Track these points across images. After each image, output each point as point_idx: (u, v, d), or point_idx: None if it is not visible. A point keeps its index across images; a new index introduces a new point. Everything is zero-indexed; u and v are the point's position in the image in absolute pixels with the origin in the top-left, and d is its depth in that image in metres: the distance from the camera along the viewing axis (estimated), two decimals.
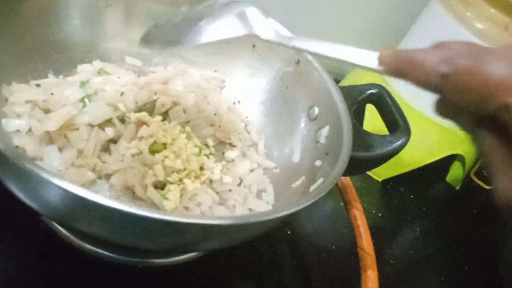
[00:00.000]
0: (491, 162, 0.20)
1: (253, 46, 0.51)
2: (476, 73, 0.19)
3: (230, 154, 0.48)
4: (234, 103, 0.53)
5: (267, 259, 0.47)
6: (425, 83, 0.21)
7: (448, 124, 0.63)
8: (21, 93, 0.41)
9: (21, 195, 0.31)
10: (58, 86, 0.44)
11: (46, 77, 0.45)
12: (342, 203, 0.56)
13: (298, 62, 0.49)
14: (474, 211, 0.67)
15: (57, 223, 0.40)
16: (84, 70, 0.47)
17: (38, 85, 0.43)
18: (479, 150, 0.21)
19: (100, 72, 0.47)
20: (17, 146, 0.39)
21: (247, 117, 0.52)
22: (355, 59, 0.27)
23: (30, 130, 0.40)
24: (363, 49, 0.27)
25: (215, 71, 0.53)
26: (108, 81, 0.46)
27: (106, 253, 0.40)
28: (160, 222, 0.27)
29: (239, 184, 0.45)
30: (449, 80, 0.20)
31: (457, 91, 0.20)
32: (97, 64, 0.48)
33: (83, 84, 0.45)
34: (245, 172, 0.46)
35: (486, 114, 0.20)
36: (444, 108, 0.23)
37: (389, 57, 0.24)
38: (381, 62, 0.24)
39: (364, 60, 0.26)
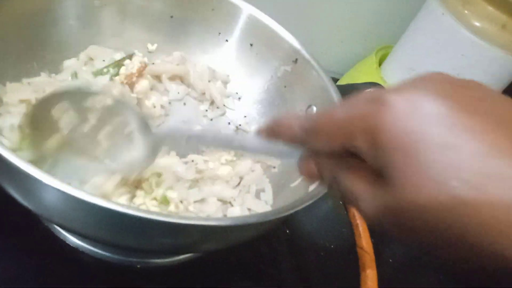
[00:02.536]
0: (353, 193, 0.23)
1: (251, 45, 0.51)
2: (326, 118, 0.23)
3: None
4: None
5: (266, 259, 0.47)
6: (292, 137, 0.26)
7: None
8: (14, 92, 0.41)
9: (18, 197, 0.31)
10: (50, 84, 0.43)
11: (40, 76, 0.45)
12: (341, 202, 0.56)
13: (296, 61, 0.48)
14: None
15: (56, 224, 0.40)
16: (71, 64, 0.47)
17: (29, 84, 0.43)
18: (341, 191, 0.24)
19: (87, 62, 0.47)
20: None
21: (245, 116, 0.52)
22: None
23: None
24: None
25: (214, 71, 0.53)
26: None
27: (104, 253, 0.40)
28: (158, 224, 0.27)
29: (238, 184, 0.45)
30: (308, 130, 0.24)
31: (315, 135, 0.24)
32: (83, 57, 0.47)
33: (74, 75, 0.44)
34: (245, 171, 0.46)
35: (340, 149, 0.23)
36: (306, 163, 0.26)
37: (263, 127, 0.28)
38: (259, 133, 0.28)
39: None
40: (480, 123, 0.19)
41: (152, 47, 0.52)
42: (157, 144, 0.34)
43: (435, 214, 0.18)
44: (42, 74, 0.45)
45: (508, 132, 0.19)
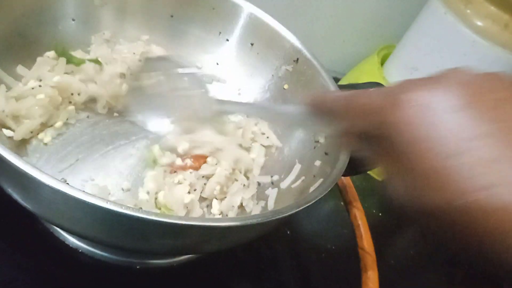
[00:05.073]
0: (383, 171, 0.24)
1: (252, 44, 0.51)
2: (350, 102, 0.26)
3: None
4: None
5: (266, 260, 0.47)
6: (329, 110, 0.28)
7: None
8: None
9: (17, 197, 0.31)
10: None
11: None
12: (342, 203, 0.55)
13: (297, 61, 0.48)
14: None
15: (55, 225, 0.40)
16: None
17: None
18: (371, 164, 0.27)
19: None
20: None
21: (247, 116, 0.51)
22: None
23: None
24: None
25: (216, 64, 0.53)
26: None
27: (104, 254, 0.40)
28: (158, 224, 0.27)
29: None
30: (337, 109, 0.27)
31: (342, 116, 0.26)
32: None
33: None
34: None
35: (363, 129, 0.25)
36: (346, 137, 0.28)
37: (311, 97, 0.30)
38: (305, 102, 0.30)
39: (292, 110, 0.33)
40: (495, 129, 0.19)
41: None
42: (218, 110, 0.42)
43: (440, 211, 0.20)
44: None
45: None
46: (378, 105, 0.23)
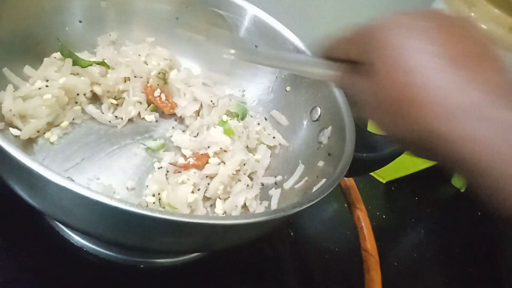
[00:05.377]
0: (365, 104, 0.29)
1: (256, 46, 0.51)
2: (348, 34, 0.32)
3: None
4: None
5: (269, 260, 0.47)
6: (330, 48, 0.33)
7: None
8: None
9: (23, 194, 0.31)
10: None
11: None
12: (345, 205, 0.56)
13: None
14: (478, 213, 0.66)
15: (60, 222, 0.40)
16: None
17: None
18: (358, 100, 0.30)
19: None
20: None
21: (251, 116, 0.52)
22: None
23: None
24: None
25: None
26: None
27: (108, 252, 0.40)
28: (162, 222, 0.27)
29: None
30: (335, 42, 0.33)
31: (339, 47, 0.33)
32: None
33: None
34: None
35: (351, 58, 0.31)
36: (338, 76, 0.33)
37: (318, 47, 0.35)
38: (316, 51, 0.35)
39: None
40: (460, 56, 0.25)
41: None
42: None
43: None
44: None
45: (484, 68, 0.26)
46: (367, 37, 0.30)
